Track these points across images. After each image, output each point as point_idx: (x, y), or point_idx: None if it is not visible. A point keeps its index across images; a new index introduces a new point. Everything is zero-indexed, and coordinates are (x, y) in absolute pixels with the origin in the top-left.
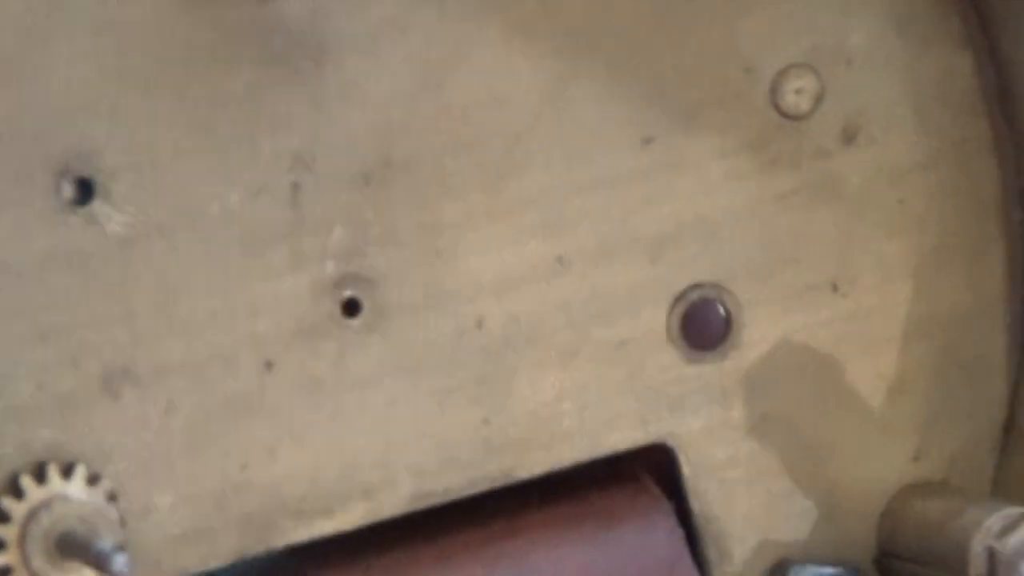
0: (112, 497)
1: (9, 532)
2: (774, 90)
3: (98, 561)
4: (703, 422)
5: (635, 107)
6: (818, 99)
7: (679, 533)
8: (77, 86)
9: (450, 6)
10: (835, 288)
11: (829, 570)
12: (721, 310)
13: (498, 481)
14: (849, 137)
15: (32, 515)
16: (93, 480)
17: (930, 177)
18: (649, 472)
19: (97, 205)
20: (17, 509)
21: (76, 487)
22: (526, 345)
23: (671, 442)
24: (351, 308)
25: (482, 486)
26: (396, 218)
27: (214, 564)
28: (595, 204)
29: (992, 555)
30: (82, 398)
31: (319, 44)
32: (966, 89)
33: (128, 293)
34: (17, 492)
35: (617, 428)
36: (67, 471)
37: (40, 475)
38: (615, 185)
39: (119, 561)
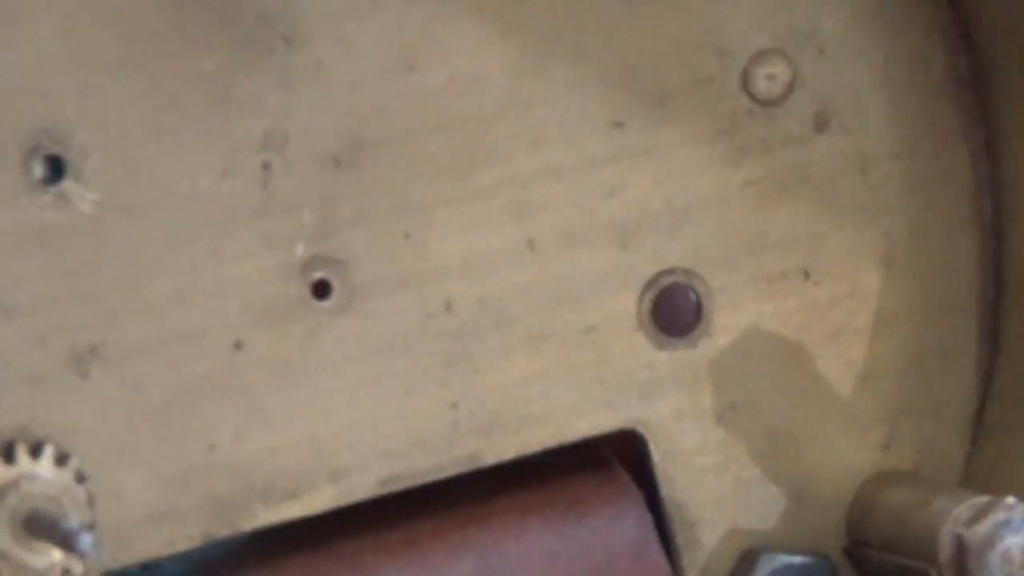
0: (80, 478)
1: None
2: (746, 76)
3: (65, 540)
4: (673, 408)
5: (606, 91)
6: (790, 86)
7: (648, 519)
8: (47, 65)
9: None
10: (806, 275)
11: (799, 558)
12: (692, 296)
13: (466, 465)
14: (821, 124)
15: None
16: (61, 460)
17: (902, 165)
18: (618, 458)
19: (68, 184)
20: None
21: (44, 467)
22: (495, 329)
23: (640, 428)
24: (321, 290)
25: (450, 470)
26: (366, 200)
27: (182, 546)
28: (565, 188)
29: (960, 543)
30: (50, 377)
31: (290, 25)
32: (938, 77)
33: (97, 272)
34: None
35: (586, 414)
36: (35, 451)
37: (8, 454)
38: (585, 170)
39: (85, 540)
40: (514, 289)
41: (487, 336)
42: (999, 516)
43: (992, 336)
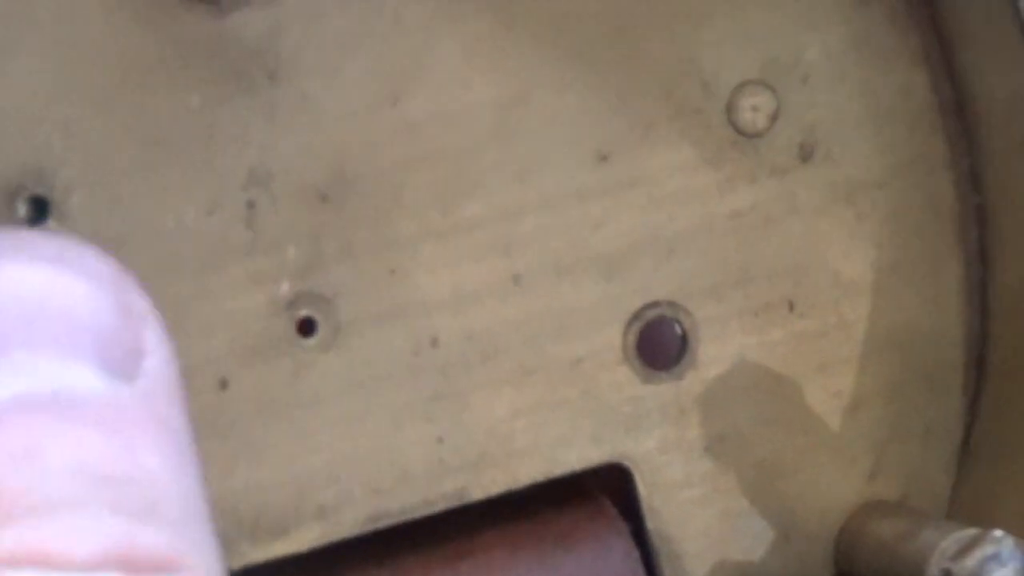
0: None
1: None
2: (730, 107)
3: None
4: (659, 441)
5: (591, 123)
6: (774, 116)
7: (635, 553)
8: (31, 103)
9: (406, 22)
10: (791, 306)
11: None
12: (677, 329)
13: (453, 500)
14: (806, 154)
15: None
16: None
17: (887, 194)
18: (605, 491)
19: (51, 224)
20: None
21: None
22: (481, 363)
23: (626, 462)
24: (306, 327)
25: (438, 506)
26: (351, 235)
27: None
28: (550, 221)
29: None
30: None
31: (275, 60)
32: (923, 106)
33: None
34: None
35: (572, 447)
36: None
37: None
38: (570, 202)
39: None
40: (500, 323)
41: (473, 371)
42: (987, 550)
43: (978, 364)
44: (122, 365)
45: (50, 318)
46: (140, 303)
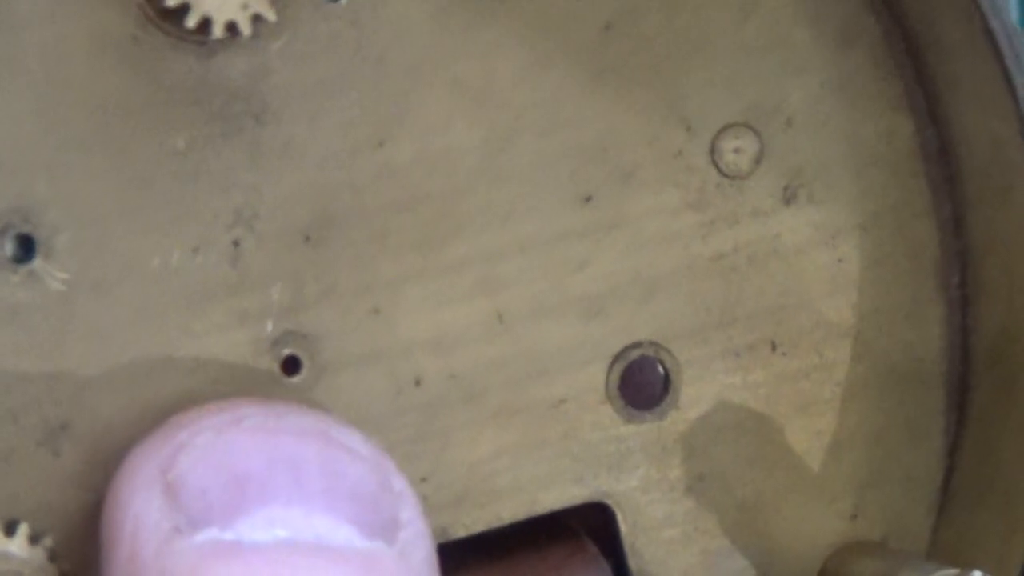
0: (54, 556)
1: None
2: (714, 149)
3: None
4: (641, 481)
5: (575, 166)
6: (758, 159)
7: None
8: (18, 143)
9: (390, 65)
10: (774, 347)
11: None
12: (660, 369)
13: (437, 539)
14: (789, 197)
15: None
16: (35, 539)
17: (869, 238)
18: (587, 530)
19: (38, 263)
20: None
21: (18, 545)
22: (464, 403)
23: (608, 501)
24: (291, 366)
25: None
26: (335, 276)
27: None
28: (534, 263)
29: None
30: (22, 454)
31: (260, 102)
32: (906, 151)
33: (68, 349)
34: None
35: (554, 487)
36: (9, 528)
37: None
38: (554, 244)
39: None
40: (484, 363)
41: (457, 410)
42: None
43: (959, 407)
44: (380, 531)
45: (319, 482)
46: (399, 482)
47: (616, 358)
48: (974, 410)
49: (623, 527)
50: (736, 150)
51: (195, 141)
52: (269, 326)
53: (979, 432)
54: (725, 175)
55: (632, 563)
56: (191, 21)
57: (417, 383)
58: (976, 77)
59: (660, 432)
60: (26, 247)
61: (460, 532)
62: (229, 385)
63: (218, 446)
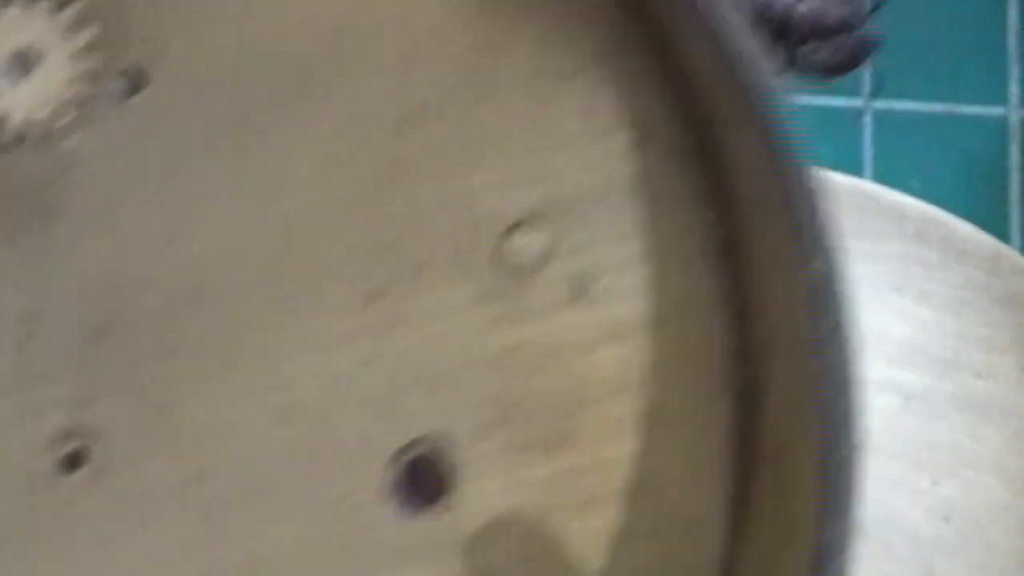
0: None
1: None
2: (503, 245)
3: None
4: None
5: (364, 263)
6: (547, 254)
7: None
8: None
9: (181, 164)
10: (556, 444)
11: None
12: (441, 465)
13: None
14: (577, 293)
15: None
16: None
17: (659, 333)
18: None
19: None
20: None
21: None
22: (247, 499)
23: None
24: (74, 461)
25: None
26: (121, 373)
27: None
28: (319, 361)
29: None
30: None
31: (53, 198)
32: (698, 245)
33: None
34: None
35: None
36: None
37: None
38: (340, 342)
39: None
40: (267, 459)
41: (240, 505)
42: None
43: (740, 503)
44: None
45: None
46: None
47: (397, 454)
48: (754, 506)
49: None
50: (525, 246)
51: None
52: (54, 421)
53: (759, 528)
54: (513, 271)
55: None
56: None
57: (201, 478)
58: (762, 174)
59: (441, 529)
60: None
61: None
62: (12, 482)
63: None
